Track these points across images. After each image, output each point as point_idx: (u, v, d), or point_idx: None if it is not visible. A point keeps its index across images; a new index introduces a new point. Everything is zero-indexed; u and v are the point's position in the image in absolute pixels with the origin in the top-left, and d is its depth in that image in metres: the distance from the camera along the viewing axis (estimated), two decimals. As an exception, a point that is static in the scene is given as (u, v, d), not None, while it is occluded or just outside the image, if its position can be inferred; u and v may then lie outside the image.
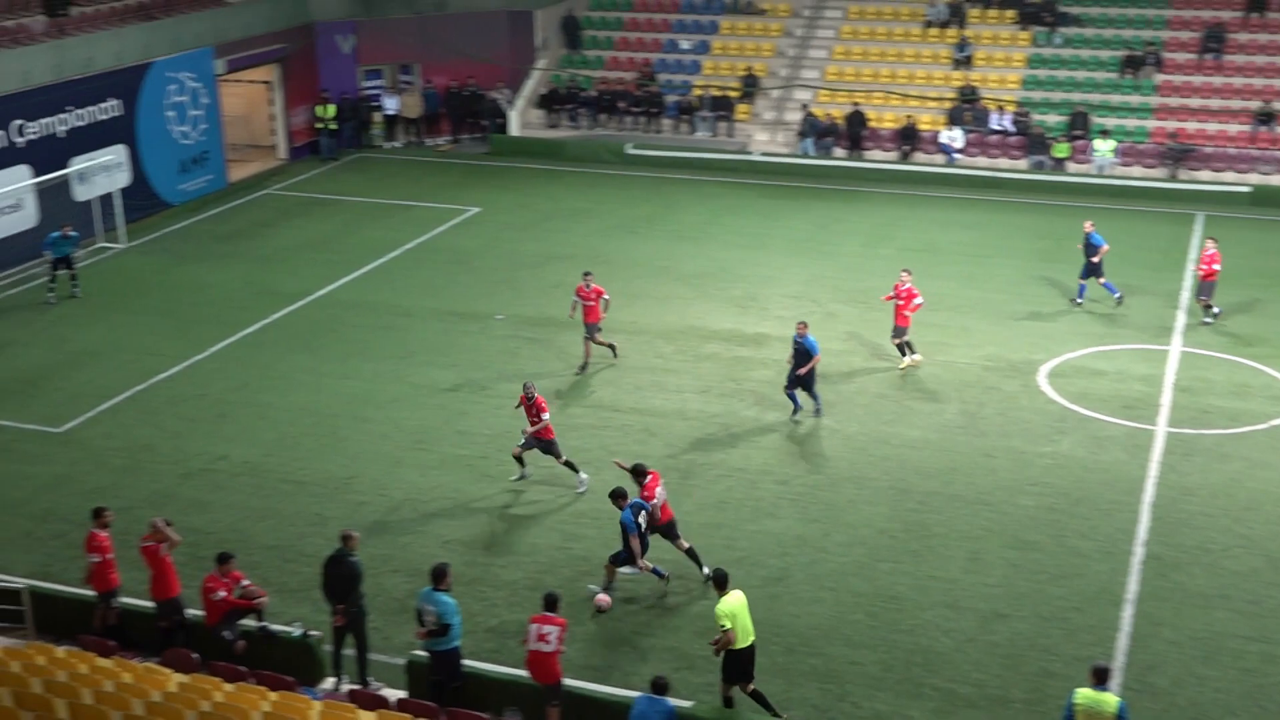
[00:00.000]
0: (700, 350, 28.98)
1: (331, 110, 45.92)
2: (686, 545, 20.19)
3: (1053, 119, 44.29)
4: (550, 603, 16.74)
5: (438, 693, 16.69)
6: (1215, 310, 30.46)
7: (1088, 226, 31.75)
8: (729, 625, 16.62)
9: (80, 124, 36.81)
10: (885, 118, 45.63)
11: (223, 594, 17.57)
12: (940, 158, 43.99)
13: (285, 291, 32.74)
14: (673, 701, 15.53)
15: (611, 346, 28.34)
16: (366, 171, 44.98)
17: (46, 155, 35.54)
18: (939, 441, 24.62)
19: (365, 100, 47.77)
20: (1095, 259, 31.40)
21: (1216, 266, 30.09)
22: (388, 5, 47.97)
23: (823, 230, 37.74)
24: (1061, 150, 42.78)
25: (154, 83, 39.38)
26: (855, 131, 44.60)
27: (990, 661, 18.34)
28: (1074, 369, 27.90)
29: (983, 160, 43.88)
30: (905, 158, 44.25)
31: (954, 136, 43.78)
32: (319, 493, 22.98)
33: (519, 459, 23.21)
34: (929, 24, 48.26)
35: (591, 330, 27.98)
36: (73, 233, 32.51)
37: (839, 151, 44.86)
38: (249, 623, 17.91)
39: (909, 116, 44.80)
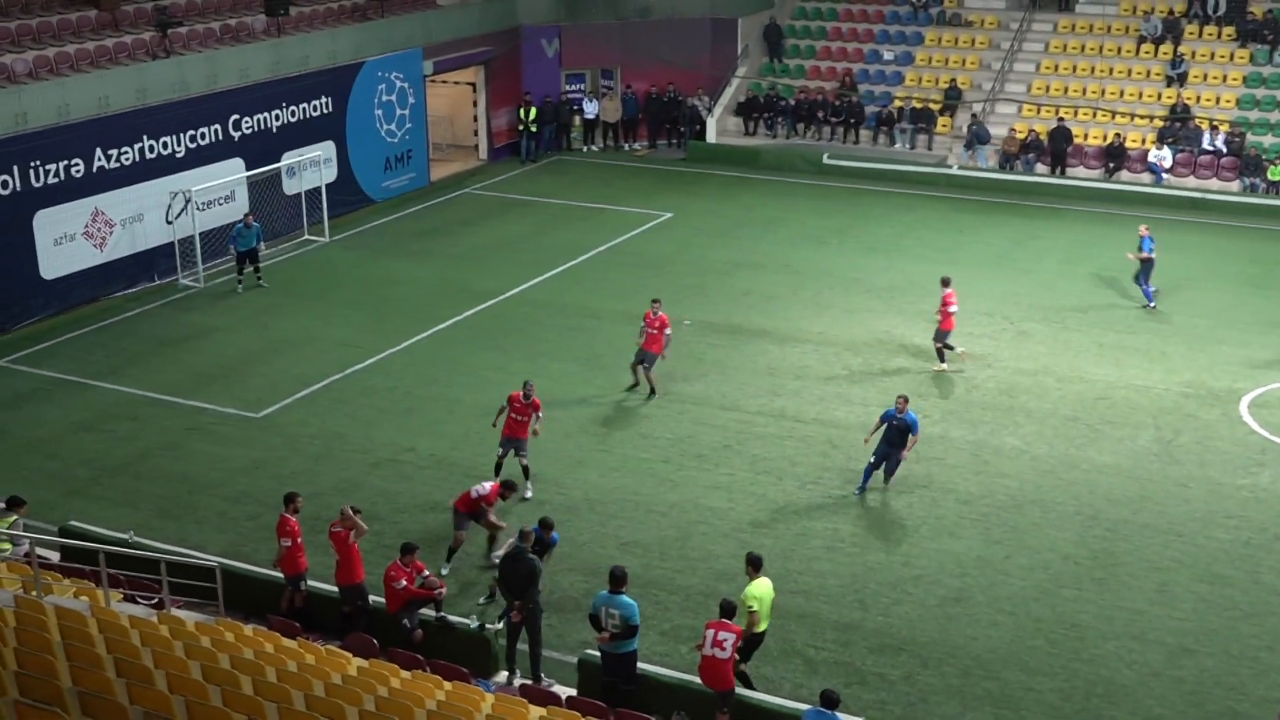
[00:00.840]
0: (887, 364, 28.66)
1: (533, 113, 46.69)
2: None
3: (1269, 140, 42.64)
4: (728, 610, 16.75)
5: (609, 693, 16.83)
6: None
7: (1142, 231, 32.06)
8: (755, 608, 17.24)
9: (293, 120, 38.14)
10: (1091, 134, 44.50)
11: (404, 583, 18.01)
12: (1147, 177, 42.71)
13: (478, 290, 33.41)
14: (842, 716, 15.40)
15: (653, 389, 26.86)
16: (563, 174, 45.61)
17: (260, 149, 36.90)
18: (1131, 468, 23.92)
19: (566, 104, 48.44)
20: (1134, 256, 32.12)
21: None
22: (592, 10, 48.58)
23: (1018, 247, 36.99)
24: (1276, 173, 41.15)
25: (365, 82, 40.60)
26: (1059, 148, 43.57)
27: (1174, 697, 17.75)
28: (1279, 400, 26.82)
29: (1192, 181, 42.48)
30: (1110, 175, 43.08)
31: (1163, 155, 42.47)
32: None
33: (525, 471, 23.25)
34: (1143, 39, 46.90)
35: (648, 360, 26.76)
36: (254, 223, 33.66)
37: (1041, 168, 43.89)
38: (428, 613, 18.32)
39: (1116, 134, 43.61)
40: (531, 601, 17.75)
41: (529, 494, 22.97)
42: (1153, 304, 31.79)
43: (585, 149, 48.77)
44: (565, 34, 48.54)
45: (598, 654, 17.23)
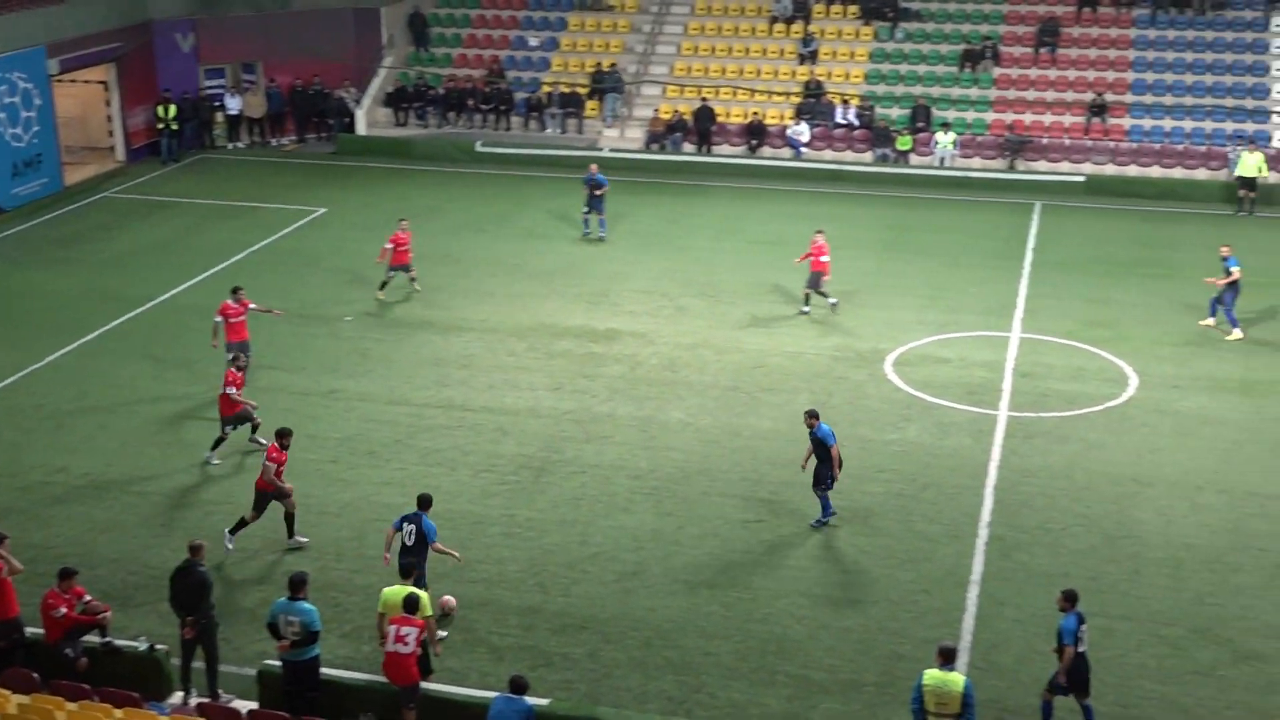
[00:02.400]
0: (552, 347, 28.97)
1: (172, 110, 44.85)
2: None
3: (895, 112, 45.12)
4: (411, 605, 16.62)
5: (292, 702, 16.44)
6: (832, 300, 30.94)
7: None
8: (381, 610, 17.21)
9: (-95, 128, 35.56)
10: (734, 113, 46.06)
11: (64, 610, 17.09)
12: (787, 151, 44.54)
13: (127, 297, 31.96)
14: (530, 700, 15.51)
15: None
16: (210, 173, 44.10)
17: None
18: (789, 432, 24.92)
19: (207, 100, 46.81)
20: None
21: (825, 258, 30.62)
22: (229, 2, 47.05)
23: (672, 225, 37.98)
24: (904, 143, 43.62)
25: (-17, 84, 38.20)
26: (704, 126, 44.93)
27: (843, 647, 18.64)
28: (919, 357, 28.49)
29: (829, 154, 44.56)
30: (753, 152, 44.73)
31: (800, 131, 44.35)
32: (164, 503, 22.48)
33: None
34: (774, 19, 48.81)
35: (238, 350, 25.94)
36: None
37: (688, 147, 45.15)
38: (93, 639, 17.45)
39: (756, 111, 45.30)
40: (205, 616, 17.17)
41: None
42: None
43: (230, 146, 47.24)
44: (201, 27, 46.88)
45: (279, 664, 16.81)
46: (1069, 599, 16.48)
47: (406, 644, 16.30)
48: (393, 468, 23.62)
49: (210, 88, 47.40)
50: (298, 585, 16.62)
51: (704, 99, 45.62)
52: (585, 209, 36.51)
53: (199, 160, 45.44)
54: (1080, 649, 16.30)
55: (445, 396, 26.60)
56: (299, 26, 47.72)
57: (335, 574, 20.29)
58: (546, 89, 47.47)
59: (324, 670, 16.95)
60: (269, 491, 20.83)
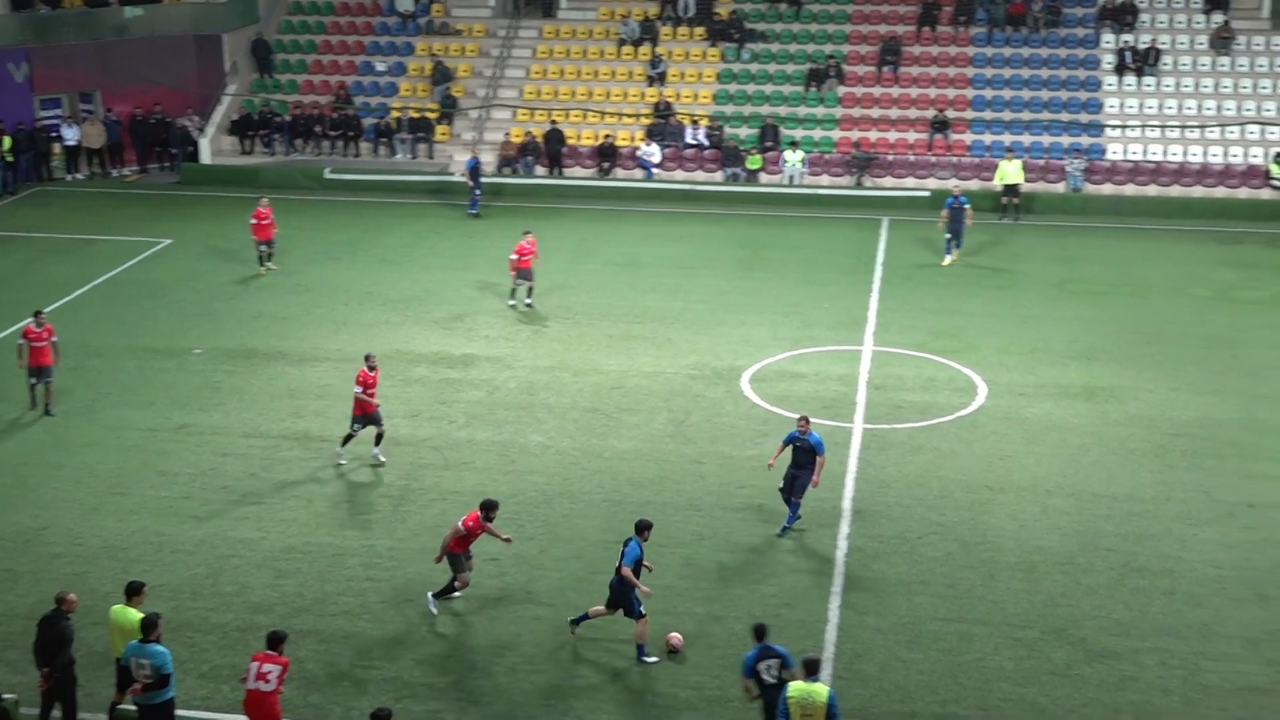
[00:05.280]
0: (408, 374, 28.70)
1: (6, 142, 43.56)
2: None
3: (744, 132, 45.66)
4: (274, 641, 16.29)
5: (147, 746, 16.02)
6: (528, 302, 32.71)
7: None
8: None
9: None
10: (584, 135, 46.20)
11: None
12: (639, 173, 44.79)
13: (-37, 336, 30.93)
14: (395, 732, 15.31)
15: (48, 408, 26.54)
16: (48, 205, 42.90)
17: None
18: (649, 451, 25.04)
19: (43, 131, 45.56)
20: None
21: (528, 257, 32.27)
22: (63, 31, 45.80)
23: (527, 248, 37.88)
24: (754, 162, 44.15)
25: None
26: (555, 149, 44.98)
27: (709, 663, 18.72)
28: (775, 373, 28.81)
29: (680, 174, 44.90)
30: (605, 174, 44.90)
31: (651, 152, 44.64)
32: (9, 546, 21.74)
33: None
34: (622, 42, 49.10)
35: (42, 375, 26.45)
36: None
37: (539, 170, 45.16)
38: (-56, 694, 16.81)
39: (607, 134, 45.49)
40: (62, 668, 16.63)
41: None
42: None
43: (70, 178, 46.05)
44: (35, 56, 45.68)
45: (133, 708, 16.34)
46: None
47: (268, 681, 15.97)
48: (248, 502, 23.16)
49: (46, 118, 46.16)
50: (149, 628, 16.20)
51: (554, 122, 45.68)
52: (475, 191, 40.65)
53: (37, 193, 44.18)
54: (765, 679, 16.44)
55: (301, 428, 26.18)
56: (138, 54, 46.74)
57: (191, 613, 19.80)
58: (395, 114, 47.12)
59: (181, 712, 16.53)
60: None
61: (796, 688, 15.35)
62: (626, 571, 18.54)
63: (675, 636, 18.93)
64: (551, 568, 21.12)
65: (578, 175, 45.15)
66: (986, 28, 48.38)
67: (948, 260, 36.35)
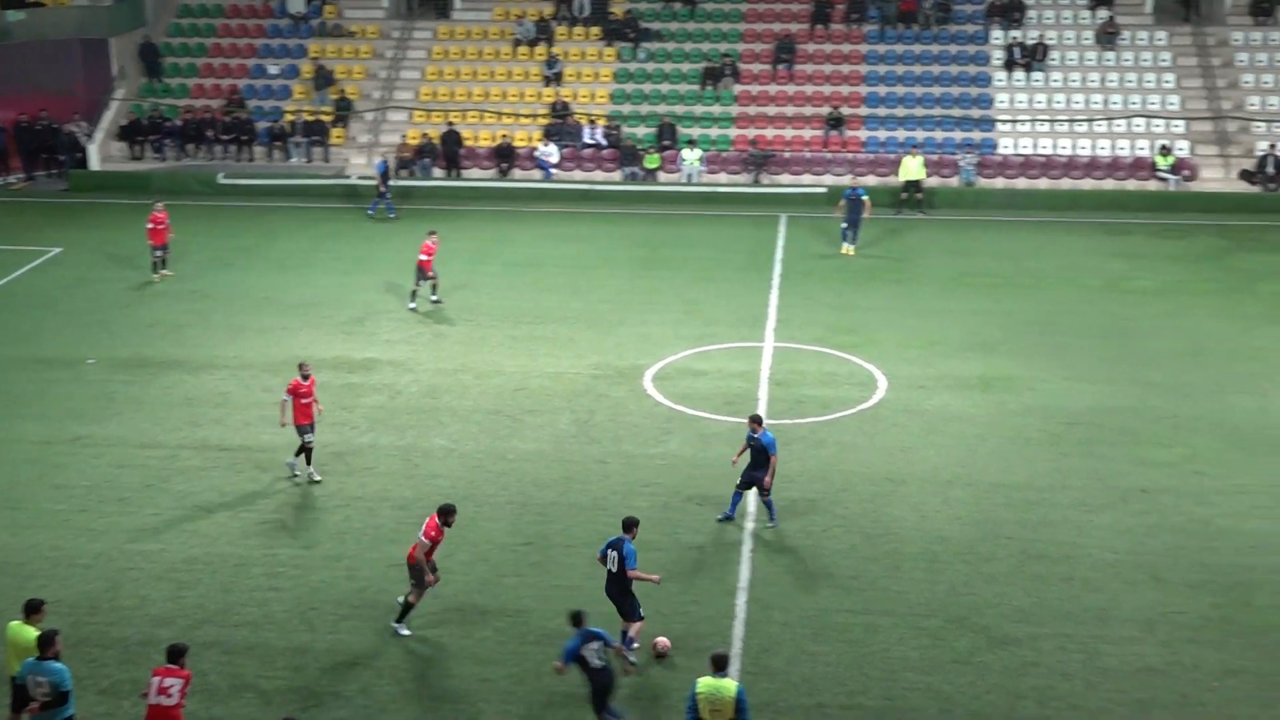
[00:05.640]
0: (309, 380, 28.38)
1: (-114, 152, 42.55)
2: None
3: (642, 131, 45.78)
4: (175, 654, 16.03)
5: (47, 765, 15.70)
6: (434, 299, 32.94)
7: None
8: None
9: None
10: (482, 136, 46.03)
11: None
12: (538, 173, 44.71)
13: None
14: (302, 743, 15.16)
15: None
16: (-68, 216, 41.92)
17: None
18: (554, 452, 25.01)
19: (-76, 139, 44.55)
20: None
21: (427, 257, 32.45)
22: (-57, 37, 44.82)
23: (426, 251, 37.67)
24: (652, 161, 44.28)
25: None
26: (452, 151, 44.76)
27: (617, 662, 18.70)
28: (677, 371, 28.92)
29: (579, 174, 44.90)
30: (504, 174, 44.76)
31: (549, 152, 44.58)
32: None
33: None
34: (518, 42, 48.96)
35: None
36: None
37: (437, 172, 44.92)
38: None
39: (505, 134, 45.36)
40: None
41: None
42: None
43: (-47, 187, 45.04)
44: (-87, 63, 44.61)
45: (32, 727, 16.02)
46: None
47: (170, 695, 15.73)
48: (147, 513, 22.78)
49: (-73, 126, 45.13)
50: (46, 644, 15.88)
51: (450, 123, 45.44)
52: (383, 189, 40.58)
53: (-81, 203, 43.15)
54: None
55: (199, 437, 25.80)
56: (21, 59, 45.76)
57: (90, 629, 19.43)
58: (289, 117, 46.60)
59: (82, 730, 16.24)
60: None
61: (705, 683, 15.43)
62: (637, 573, 18.41)
63: (662, 641, 18.86)
64: (458, 571, 21.00)
65: (476, 176, 44.96)
66: (879, 25, 48.95)
67: (848, 249, 37.00)
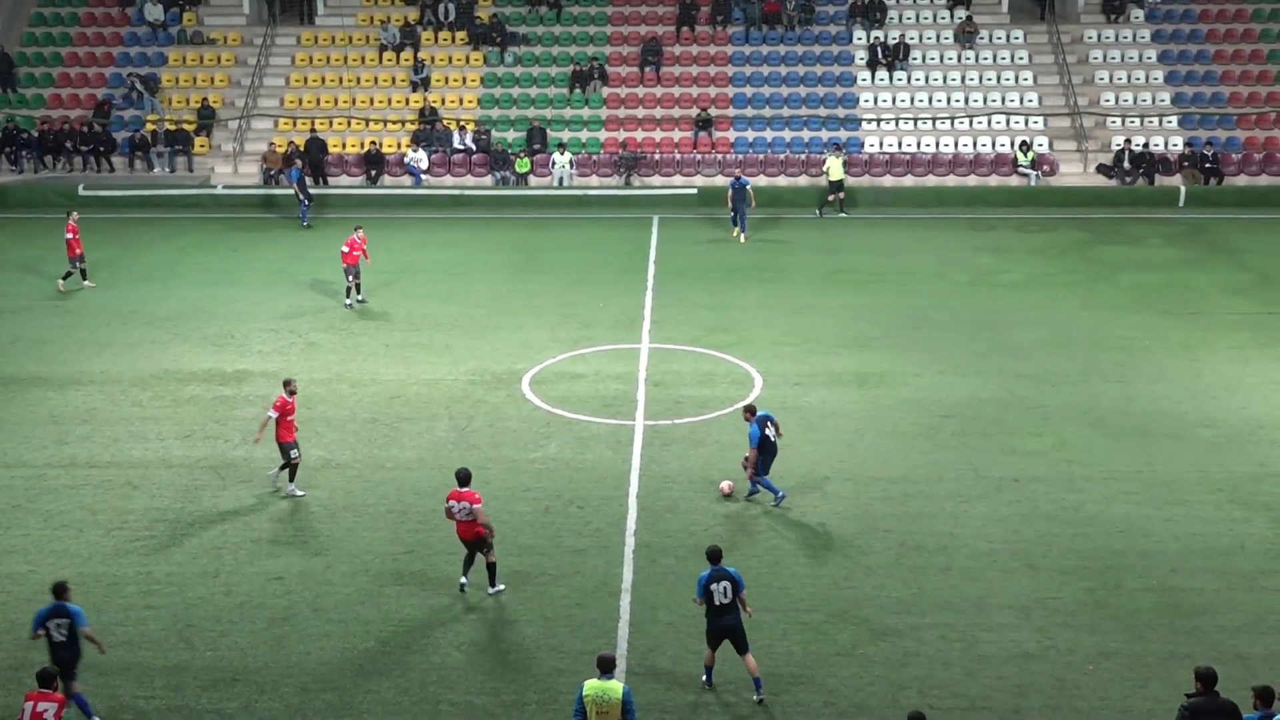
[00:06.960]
0: (179, 394, 27.86)
1: None
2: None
3: (512, 135, 45.67)
4: (46, 678, 15.60)
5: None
6: (360, 298, 33.31)
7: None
8: None
9: None
10: (349, 143, 45.55)
11: None
12: (408, 179, 44.37)
13: None
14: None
15: None
16: None
17: None
18: (433, 459, 24.82)
19: None
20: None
21: (357, 253, 32.92)
22: None
23: (297, 260, 37.21)
24: (523, 165, 44.21)
25: None
26: (317, 158, 44.22)
27: (502, 669, 18.65)
28: (555, 374, 28.88)
29: (449, 179, 44.67)
30: (373, 181, 44.34)
31: (419, 158, 44.27)
32: None
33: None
34: (383, 48, 48.55)
35: None
36: None
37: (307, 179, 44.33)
38: None
39: (373, 141, 44.93)
40: None
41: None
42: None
43: None
44: None
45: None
46: None
47: (44, 720, 15.32)
48: (14, 535, 22.14)
49: None
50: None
51: (314, 130, 44.90)
52: (302, 197, 40.59)
53: None
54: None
55: (67, 455, 25.16)
56: None
57: (-44, 656, 18.86)
58: (151, 127, 45.67)
59: (-48, 761, 15.74)
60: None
61: (592, 685, 15.43)
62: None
63: (727, 484, 22.69)
64: (339, 583, 20.74)
65: (345, 184, 44.48)
66: (744, 27, 49.42)
67: (740, 236, 38.44)
